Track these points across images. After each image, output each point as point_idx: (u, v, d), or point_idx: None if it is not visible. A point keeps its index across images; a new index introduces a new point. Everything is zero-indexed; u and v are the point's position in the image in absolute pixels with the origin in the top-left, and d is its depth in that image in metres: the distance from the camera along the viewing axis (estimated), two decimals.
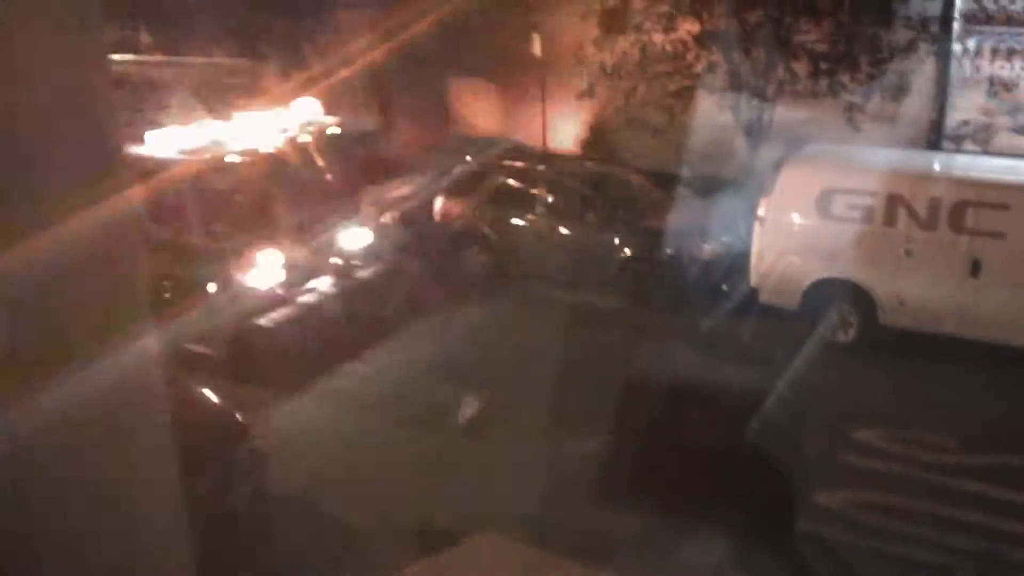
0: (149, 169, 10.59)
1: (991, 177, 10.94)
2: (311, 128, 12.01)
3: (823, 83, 14.07)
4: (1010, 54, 15.37)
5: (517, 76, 16.56)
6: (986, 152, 15.24)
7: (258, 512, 7.99)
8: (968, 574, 7.39)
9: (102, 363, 2.57)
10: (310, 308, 11.02)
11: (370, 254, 11.99)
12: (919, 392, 10.00)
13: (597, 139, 16.78)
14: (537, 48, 15.26)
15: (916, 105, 15.29)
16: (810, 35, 14.01)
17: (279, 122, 11.86)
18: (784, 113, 14.45)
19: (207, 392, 8.41)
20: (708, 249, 12.37)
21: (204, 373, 9.59)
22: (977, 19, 15.38)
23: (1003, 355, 10.19)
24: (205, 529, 6.85)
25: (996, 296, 10.16)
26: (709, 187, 13.67)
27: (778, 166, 11.58)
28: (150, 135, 11.23)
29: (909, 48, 14.54)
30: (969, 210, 10.26)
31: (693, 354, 10.84)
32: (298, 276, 11.08)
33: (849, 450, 9.08)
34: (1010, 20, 15.29)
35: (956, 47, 15.56)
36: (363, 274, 11.73)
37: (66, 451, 2.45)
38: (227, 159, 11.16)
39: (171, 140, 11.21)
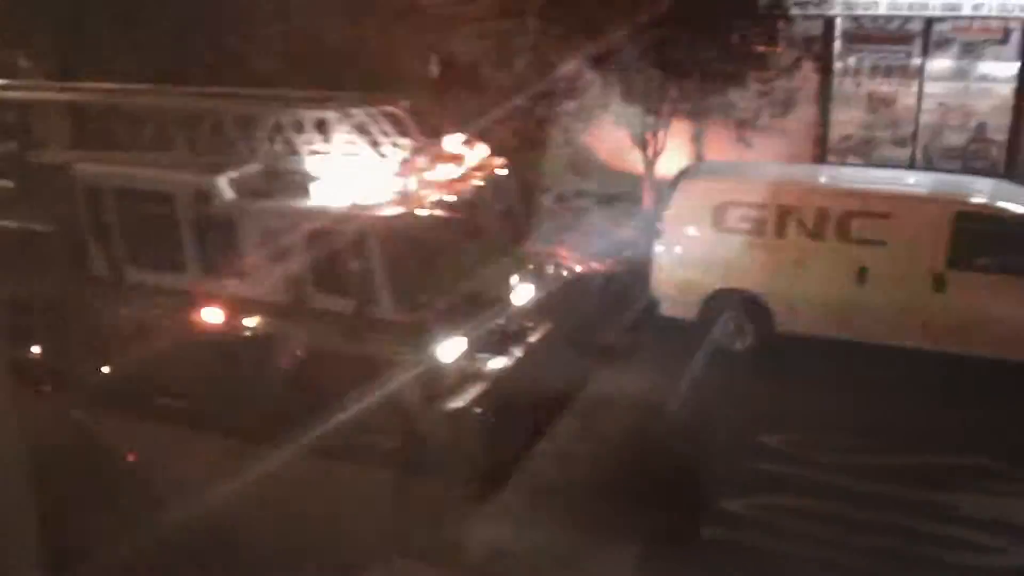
0: (319, 228, 9.02)
1: (873, 188, 11.45)
2: (482, 171, 10.23)
3: (714, 101, 14.53)
4: (888, 71, 16.16)
5: (413, 97, 16.59)
6: (868, 164, 15.97)
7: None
8: (874, 572, 7.67)
9: None
10: (493, 384, 9.37)
11: (539, 313, 10.52)
12: (817, 396, 10.32)
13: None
14: (435, 69, 15.33)
15: (802, 121, 15.93)
16: (701, 55, 14.46)
17: (450, 165, 10.02)
18: (678, 130, 14.87)
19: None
20: (609, 263, 12.61)
21: (375, 467, 8.70)
22: (857, 38, 16.14)
23: (893, 357, 10.65)
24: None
25: (882, 301, 10.63)
26: (608, 203, 13.94)
27: (674, 181, 11.90)
28: (316, 185, 9.32)
29: (794, 67, 15.14)
30: (854, 220, 10.72)
31: (592, 366, 11.00)
32: (478, 345, 9.56)
33: (751, 455, 9.34)
34: (887, 39, 16.08)
35: (838, 65, 16.28)
36: (535, 337, 10.24)
37: None
38: (413, 213, 9.19)
39: (340, 189, 9.22)
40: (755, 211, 11.11)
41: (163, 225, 9.95)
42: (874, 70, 16.28)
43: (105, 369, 10.33)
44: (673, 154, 14.54)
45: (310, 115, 9.72)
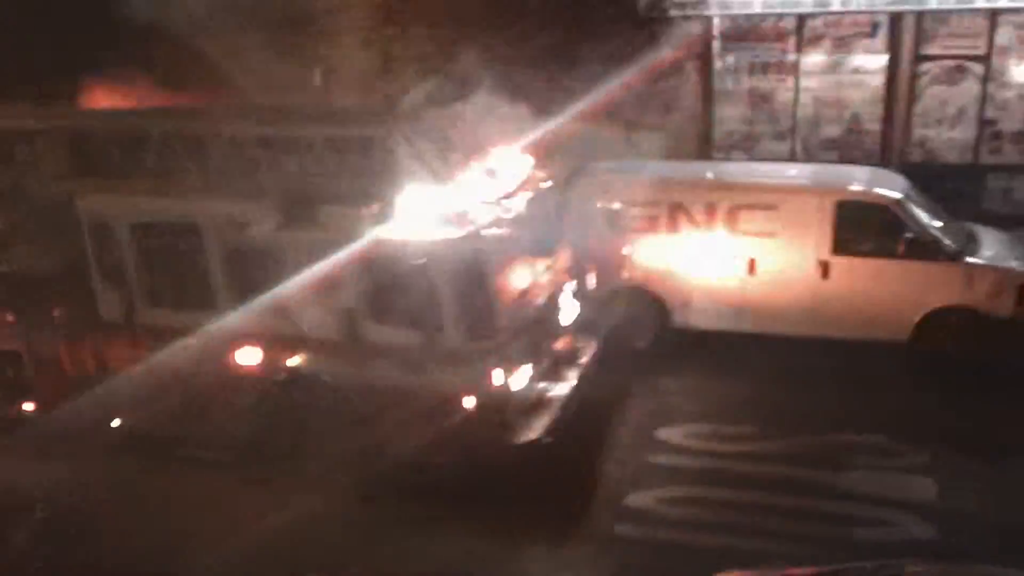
0: (373, 255, 8.29)
1: (758, 181, 11.77)
2: (530, 185, 9.47)
3: (600, 102, 14.69)
4: (765, 68, 16.62)
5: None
6: (752, 158, 16.41)
7: None
8: (781, 555, 7.83)
9: None
10: (562, 410, 8.98)
11: (582, 329, 10.18)
12: (715, 387, 10.57)
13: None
14: (318, 79, 15.09)
15: (687, 119, 16.26)
16: (586, 58, 14.63)
17: (497, 179, 9.18)
18: (568, 131, 14.97)
19: None
20: None
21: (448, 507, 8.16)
22: (734, 37, 16.56)
23: (784, 346, 10.95)
24: None
25: (771, 291, 10.93)
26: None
27: (565, 184, 11.98)
28: (364, 209, 8.45)
29: (675, 67, 15.45)
30: (742, 213, 11.01)
31: None
32: (540, 370, 9.06)
33: (653, 450, 9.48)
34: (763, 37, 16.55)
35: (718, 64, 16.68)
36: (585, 357, 9.92)
37: None
38: (475, 233, 8.35)
39: (392, 212, 8.37)
40: (646, 209, 11.30)
41: (189, 259, 9.04)
42: (752, 67, 16.72)
43: (116, 422, 9.40)
44: (563, 155, 14.62)
45: (348, 132, 8.84)
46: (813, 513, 8.32)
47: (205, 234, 8.90)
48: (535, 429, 8.59)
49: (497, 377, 8.39)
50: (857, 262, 10.75)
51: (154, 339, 9.14)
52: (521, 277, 9.05)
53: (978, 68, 15.65)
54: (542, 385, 9.15)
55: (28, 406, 9.86)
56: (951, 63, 15.81)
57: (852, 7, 15.72)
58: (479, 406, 8.34)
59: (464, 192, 8.64)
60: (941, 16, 15.53)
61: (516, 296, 8.88)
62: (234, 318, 8.88)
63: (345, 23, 14.46)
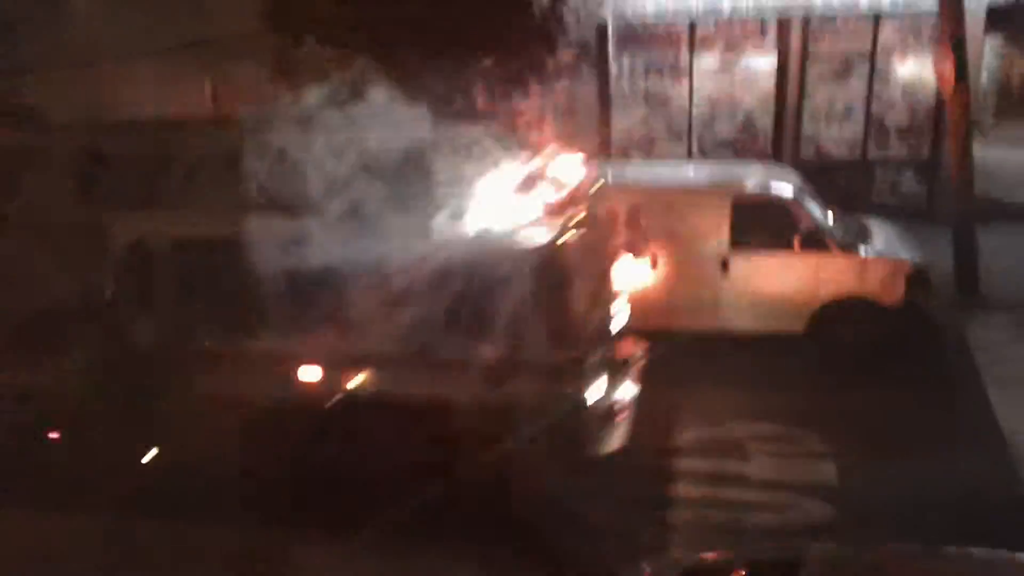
0: (444, 264, 7.65)
1: (657, 182, 11.94)
2: (587, 187, 9.09)
3: (500, 106, 14.75)
4: (659, 70, 16.92)
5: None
6: (650, 159, 16.67)
7: None
8: (682, 544, 7.81)
9: None
10: (635, 417, 8.71)
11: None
12: None
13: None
14: (209, 93, 14.79)
15: (585, 121, 16.43)
16: (484, 63, 14.64)
17: (560, 184, 8.79)
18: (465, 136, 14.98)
19: None
20: None
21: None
22: (627, 40, 16.81)
23: (687, 342, 11.08)
24: None
25: (674, 288, 11.04)
26: None
27: None
28: (429, 216, 8.01)
29: (573, 71, 15.59)
30: (642, 213, 11.11)
31: None
32: (613, 377, 8.54)
33: None
34: (657, 41, 16.85)
35: (614, 67, 16.90)
36: (640, 362, 9.44)
37: None
38: (553, 238, 7.95)
39: (457, 217, 7.95)
40: None
41: (236, 279, 8.18)
42: (647, 70, 17.01)
43: (150, 455, 8.47)
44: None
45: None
46: (715, 502, 8.42)
47: (254, 251, 8.09)
48: (615, 440, 8.30)
49: (581, 387, 7.99)
50: (754, 257, 10.96)
51: (194, 367, 8.44)
52: (593, 282, 8.78)
53: (863, 67, 16.21)
54: (614, 393, 8.73)
55: (46, 448, 8.89)
56: (838, 63, 16.35)
57: (741, 12, 16.12)
58: (562, 420, 7.85)
59: (532, 197, 8.36)
60: (827, 18, 16.04)
61: (592, 302, 8.57)
62: (285, 339, 8.26)
63: (231, 34, 14.15)
